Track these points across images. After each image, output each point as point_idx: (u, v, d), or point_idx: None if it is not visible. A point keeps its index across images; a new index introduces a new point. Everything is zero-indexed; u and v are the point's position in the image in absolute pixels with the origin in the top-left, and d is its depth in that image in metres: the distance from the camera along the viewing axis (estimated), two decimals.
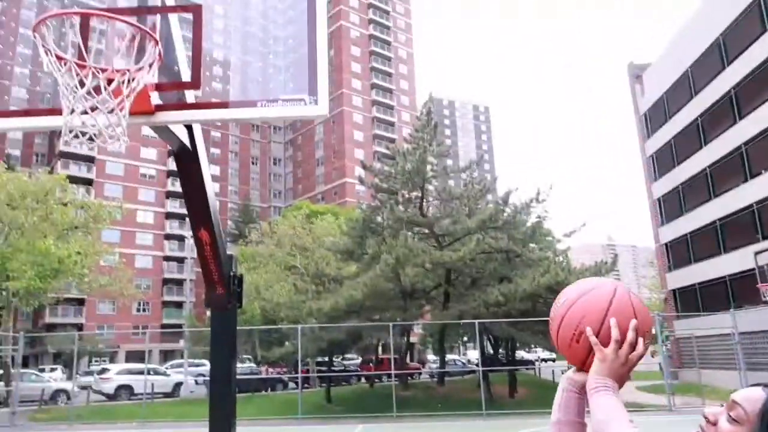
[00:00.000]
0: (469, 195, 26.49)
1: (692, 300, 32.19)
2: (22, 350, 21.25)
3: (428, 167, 26.04)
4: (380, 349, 34.28)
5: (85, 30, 3.14)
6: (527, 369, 38.68)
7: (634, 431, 1.20)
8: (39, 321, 62.03)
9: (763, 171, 25.97)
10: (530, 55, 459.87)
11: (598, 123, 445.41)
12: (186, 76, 3.66)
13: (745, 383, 14.51)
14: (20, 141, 72.77)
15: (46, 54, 2.81)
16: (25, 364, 32.35)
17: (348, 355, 40.11)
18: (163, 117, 3.40)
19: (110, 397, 27.64)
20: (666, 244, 36.20)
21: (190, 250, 56.37)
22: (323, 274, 29.80)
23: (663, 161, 35.91)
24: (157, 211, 74.46)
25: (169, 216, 74.78)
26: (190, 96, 3.68)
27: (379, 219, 26.06)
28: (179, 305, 69.86)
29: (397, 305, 23.87)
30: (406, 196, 26.33)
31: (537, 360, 46.86)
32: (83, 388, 26.46)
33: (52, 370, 40.31)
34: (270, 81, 3.72)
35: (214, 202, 4.58)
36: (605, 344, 1.30)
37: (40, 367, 44.47)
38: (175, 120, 3.54)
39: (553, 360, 46.52)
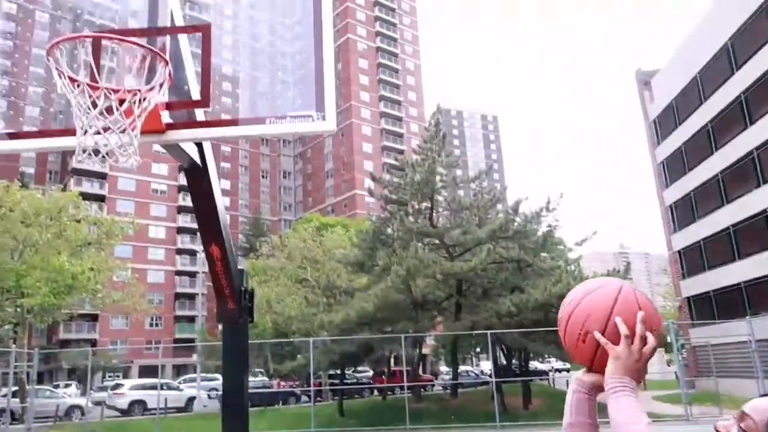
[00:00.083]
0: (479, 205, 26.45)
1: (707, 307, 31.80)
2: (36, 366, 21.37)
3: (437, 178, 26.06)
4: (392, 361, 34.16)
5: (97, 52, 3.21)
6: (541, 380, 38.32)
7: None
8: (53, 337, 62.43)
9: None
10: (535, 60, 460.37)
11: (607, 129, 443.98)
12: (196, 94, 3.72)
13: (762, 392, 14.29)
14: (34, 159, 73.71)
15: (60, 76, 2.88)
16: (39, 381, 32.54)
17: (360, 368, 39.98)
18: (173, 135, 3.46)
19: (124, 413, 27.71)
20: (679, 252, 35.87)
21: (201, 265, 56.65)
22: (334, 287, 29.82)
23: (674, 168, 35.68)
24: (169, 226, 74.98)
25: (181, 231, 75.26)
26: (200, 113, 3.74)
27: (389, 230, 26.08)
28: (191, 320, 70.09)
29: (408, 317, 23.81)
30: (416, 207, 26.35)
31: (551, 370, 46.38)
32: (97, 403, 26.58)
33: (67, 386, 40.47)
34: (278, 97, 3.77)
35: (224, 218, 4.62)
36: (614, 342, 1.29)
37: (55, 383, 44.68)
38: (185, 138, 3.59)
39: (567, 370, 46.06)
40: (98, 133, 2.98)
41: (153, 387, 27.20)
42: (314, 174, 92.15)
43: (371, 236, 26.46)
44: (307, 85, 3.50)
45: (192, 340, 61.11)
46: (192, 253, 71.74)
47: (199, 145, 4.05)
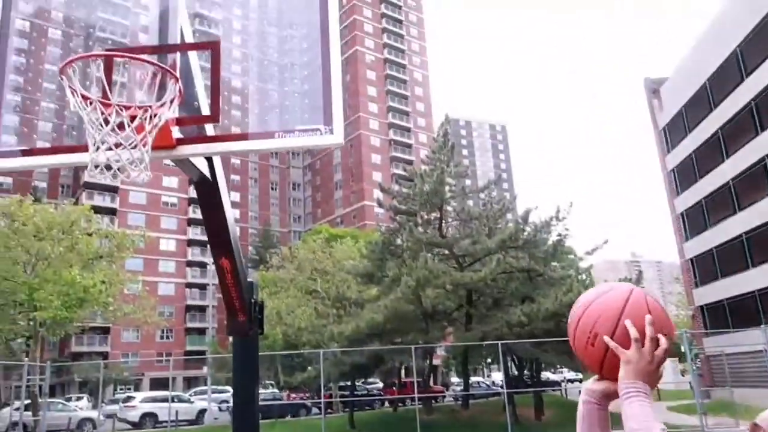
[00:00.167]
0: (489, 215, 26.41)
1: (721, 316, 31.45)
2: (48, 380, 21.49)
3: (446, 188, 26.08)
4: (403, 372, 33.99)
5: (108, 69, 3.27)
6: (554, 390, 37.96)
7: None
8: (65, 350, 62.76)
9: None
10: (540, 68, 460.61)
11: (615, 136, 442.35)
12: (205, 110, 3.77)
13: None
14: (46, 173, 74.52)
15: (73, 94, 2.93)
16: (51, 394, 32.72)
17: (370, 380, 39.82)
18: (184, 150, 3.50)
19: (135, 425, 27.74)
20: (691, 260, 35.56)
21: (212, 277, 56.86)
22: (344, 298, 29.77)
23: (685, 175, 35.47)
24: (179, 238, 75.39)
25: (191, 243, 75.62)
26: (210, 128, 3.79)
27: (398, 241, 26.08)
28: (202, 332, 70.21)
29: (418, 327, 23.73)
30: (425, 217, 26.35)
31: (563, 381, 45.92)
32: (109, 416, 26.64)
33: (78, 398, 40.62)
34: (286, 111, 3.81)
35: (234, 231, 4.66)
36: (625, 346, 1.27)
37: (67, 396, 44.85)
38: (195, 153, 3.63)
39: (580, 380, 45.60)
40: (110, 149, 3.04)
41: (164, 399, 27.23)
42: (323, 185, 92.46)
43: (381, 247, 26.47)
44: (315, 98, 3.53)
45: (203, 353, 61.18)
46: (202, 266, 72.04)
47: (209, 159, 4.10)
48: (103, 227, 35.58)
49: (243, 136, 3.66)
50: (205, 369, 56.81)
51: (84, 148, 3.24)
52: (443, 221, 26.16)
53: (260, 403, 5.58)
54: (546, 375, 41.34)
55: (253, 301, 4.99)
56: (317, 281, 39.24)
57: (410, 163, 79.48)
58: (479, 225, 26.42)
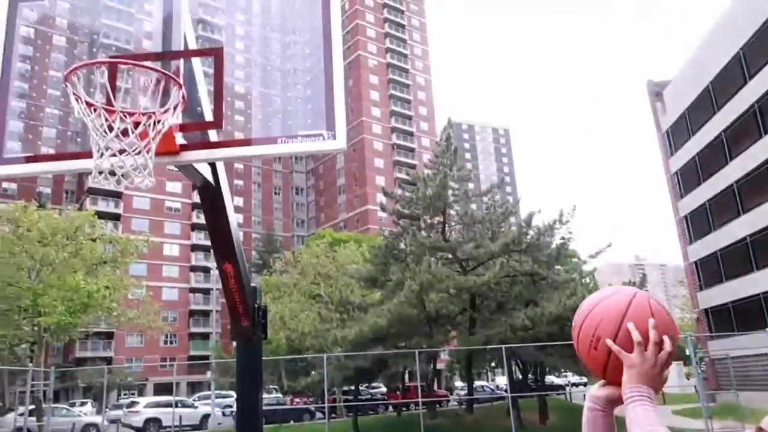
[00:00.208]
0: (492, 218, 26.39)
1: (726, 319, 31.32)
2: (53, 385, 21.51)
3: (449, 192, 26.07)
4: (407, 376, 33.93)
5: (112, 76, 3.30)
6: (558, 394, 37.83)
7: None
8: (69, 355, 62.85)
9: None
10: (541, 70, 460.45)
11: (617, 137, 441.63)
12: (209, 115, 3.79)
13: None
14: (50, 179, 74.81)
15: (77, 101, 2.95)
16: (56, 399, 32.76)
17: (374, 384, 39.76)
18: (187, 156, 3.52)
19: (139, 431, 27.74)
20: (695, 263, 35.44)
21: (215, 282, 56.88)
22: (348, 302, 29.74)
23: (688, 178, 35.40)
24: (183, 243, 75.53)
25: (195, 248, 75.75)
26: (213, 133, 3.80)
27: (401, 245, 26.06)
28: (206, 336, 70.24)
29: (422, 332, 23.69)
30: (429, 221, 26.34)
31: (567, 385, 45.79)
32: (113, 421, 26.66)
33: (82, 404, 40.66)
34: (289, 116, 3.84)
35: (237, 236, 4.67)
36: (628, 350, 1.26)
37: (71, 401, 44.91)
38: (199, 159, 3.65)
39: (585, 384, 45.46)
40: (114, 155, 3.06)
41: (168, 405, 27.25)
42: (326, 190, 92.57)
43: (384, 251, 26.46)
44: (317, 104, 3.54)
45: (206, 357, 61.18)
46: (206, 270, 72.11)
47: (212, 165, 4.11)
48: (107, 232, 35.72)
49: (246, 142, 3.68)
50: (208, 374, 56.84)
51: (88, 155, 3.26)
52: (446, 225, 26.15)
53: (264, 407, 5.58)
54: (550, 379, 41.20)
55: (256, 306, 5.00)
56: (320, 286, 39.24)
57: (413, 167, 79.48)
58: (482, 229, 26.39)
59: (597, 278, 34.25)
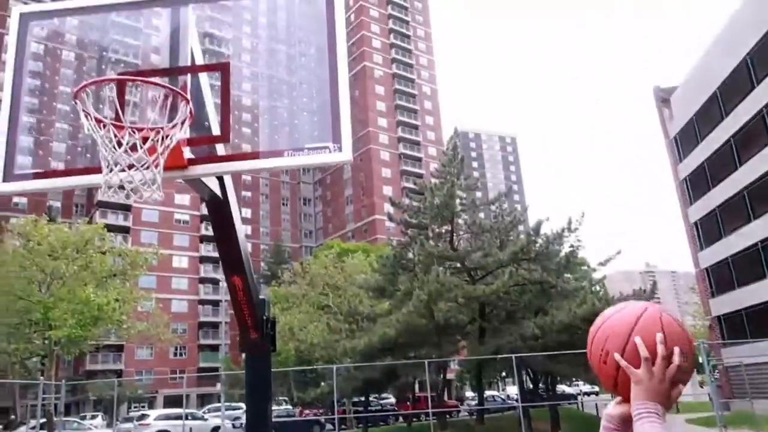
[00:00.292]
0: (500, 227, 26.34)
1: (739, 326, 30.99)
2: (64, 398, 21.59)
3: (457, 201, 26.06)
4: (417, 387, 33.77)
5: (121, 92, 3.34)
6: (570, 404, 37.50)
7: None
8: (80, 368, 63.05)
9: None
10: (546, 74, 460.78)
11: (624, 142, 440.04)
12: (216, 130, 3.82)
13: None
14: (60, 193, 75.44)
15: (87, 118, 2.99)
16: (66, 412, 32.82)
17: (384, 395, 39.60)
18: (195, 171, 3.55)
19: None
20: (706, 269, 35.15)
21: (224, 293, 56.95)
22: (356, 313, 29.72)
23: (697, 184, 35.21)
24: (192, 255, 75.81)
25: (203, 260, 76.00)
26: (221, 147, 3.83)
27: (409, 255, 26.05)
28: (215, 348, 70.28)
29: (431, 341, 23.61)
30: (436, 230, 26.31)
31: (579, 394, 45.39)
32: None
33: (93, 417, 40.73)
34: (295, 129, 3.87)
35: (245, 248, 4.69)
36: (636, 365, 1.24)
37: (82, 414, 44.99)
38: (207, 173, 3.68)
39: (596, 393, 45.01)
40: (123, 170, 3.09)
41: (178, 417, 27.22)
42: (334, 200, 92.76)
43: (392, 261, 26.44)
44: (323, 116, 3.57)
45: (216, 369, 61.18)
46: (215, 282, 72.25)
47: (220, 178, 4.14)
48: (116, 245, 35.91)
49: (253, 155, 3.71)
50: (218, 386, 56.82)
51: (97, 170, 3.30)
52: (454, 234, 26.11)
53: (273, 419, 5.57)
54: (562, 388, 40.87)
55: (265, 318, 5.01)
56: (329, 296, 39.23)
57: (420, 176, 79.53)
58: (491, 237, 26.33)
59: (607, 286, 34.04)
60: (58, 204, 73.43)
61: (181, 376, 57.89)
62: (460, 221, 26.69)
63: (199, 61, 4.12)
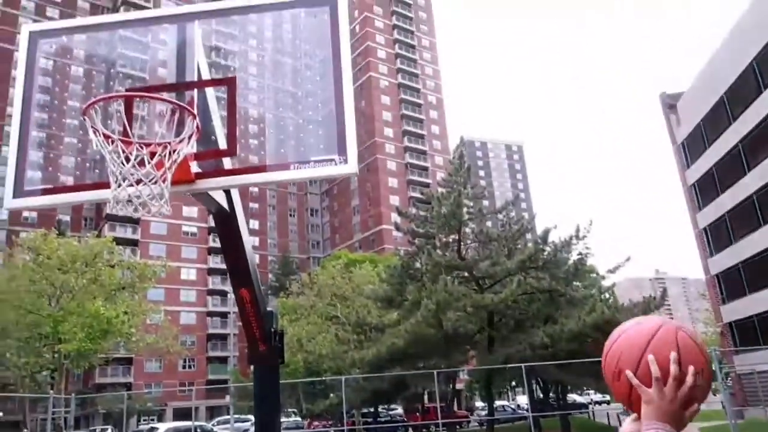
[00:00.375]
0: (508, 235, 26.25)
1: (751, 332, 30.67)
2: (73, 412, 21.60)
3: (464, 210, 26.00)
4: (426, 397, 33.57)
5: (128, 107, 3.38)
6: (581, 413, 37.15)
7: None
8: (89, 382, 63.16)
9: None
10: (551, 85, 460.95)
11: (632, 149, 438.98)
12: (223, 144, 3.85)
13: None
14: (70, 207, 76.03)
15: (95, 134, 3.03)
16: (76, 426, 32.83)
17: (393, 406, 39.39)
18: (203, 184, 3.58)
19: None
20: (717, 275, 34.86)
21: (232, 305, 56.99)
22: (364, 323, 29.64)
23: (706, 190, 35.02)
24: (200, 267, 76.01)
25: (212, 272, 76.16)
26: (227, 160, 3.86)
27: (417, 264, 25.99)
28: (224, 360, 70.26)
29: (440, 351, 23.49)
30: (444, 240, 26.26)
31: (590, 403, 44.96)
32: None
33: (103, 430, 40.74)
34: (301, 142, 3.89)
35: (253, 260, 4.71)
36: (648, 383, 1.22)
37: (91, 428, 45.03)
38: (214, 187, 3.71)
39: (608, 402, 44.59)
40: (132, 185, 3.12)
41: (187, 430, 27.19)
42: (341, 211, 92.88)
43: (400, 271, 26.40)
44: (329, 128, 3.59)
45: (225, 381, 61.12)
46: (223, 294, 72.36)
47: (227, 191, 4.17)
48: (125, 258, 36.10)
49: (260, 169, 3.74)
50: (227, 398, 56.69)
51: (106, 185, 3.33)
52: (462, 243, 26.05)
53: (282, 431, 5.57)
54: (572, 397, 40.52)
55: (273, 330, 5.01)
56: (337, 307, 39.17)
57: (427, 186, 79.57)
58: (498, 246, 26.25)
59: (616, 294, 33.79)
60: (68, 218, 73.93)
61: (190, 389, 57.81)
62: (468, 230, 26.63)
63: (206, 75, 4.16)
